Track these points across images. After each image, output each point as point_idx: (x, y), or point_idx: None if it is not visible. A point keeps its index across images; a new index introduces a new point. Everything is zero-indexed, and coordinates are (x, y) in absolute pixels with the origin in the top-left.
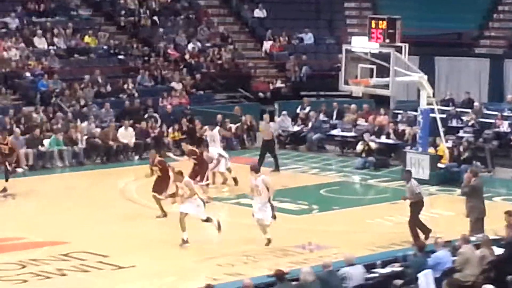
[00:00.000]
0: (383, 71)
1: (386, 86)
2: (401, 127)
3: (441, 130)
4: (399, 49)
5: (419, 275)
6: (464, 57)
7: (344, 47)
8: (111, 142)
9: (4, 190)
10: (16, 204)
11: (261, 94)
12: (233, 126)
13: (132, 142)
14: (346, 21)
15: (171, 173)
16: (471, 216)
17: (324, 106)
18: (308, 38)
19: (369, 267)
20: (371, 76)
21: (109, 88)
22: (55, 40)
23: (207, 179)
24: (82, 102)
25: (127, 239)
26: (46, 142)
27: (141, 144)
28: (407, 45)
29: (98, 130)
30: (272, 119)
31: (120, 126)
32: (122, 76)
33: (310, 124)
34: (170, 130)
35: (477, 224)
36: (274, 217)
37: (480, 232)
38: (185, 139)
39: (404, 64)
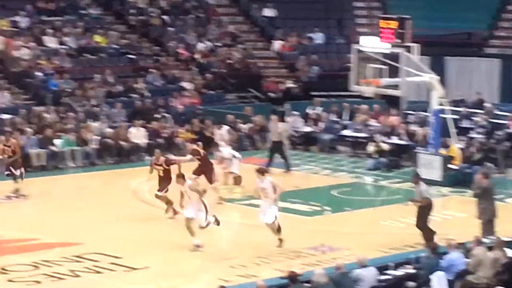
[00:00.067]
0: (394, 72)
1: (397, 87)
2: (412, 127)
3: (453, 131)
4: (408, 50)
5: (432, 277)
6: (474, 57)
7: (354, 47)
8: (122, 142)
9: (17, 191)
10: (28, 205)
11: (272, 94)
12: (244, 126)
13: (144, 142)
14: (355, 20)
15: (173, 175)
16: (482, 218)
17: (335, 106)
18: (318, 37)
19: (382, 269)
20: (380, 76)
21: (119, 87)
22: (65, 39)
23: (217, 180)
24: (93, 102)
25: (140, 240)
26: (57, 142)
27: (153, 144)
28: (418, 45)
29: (110, 130)
30: (282, 120)
31: (131, 126)
32: (132, 75)
33: (321, 125)
34: (182, 130)
35: (488, 225)
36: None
37: (491, 234)
38: (195, 139)
39: (415, 64)
